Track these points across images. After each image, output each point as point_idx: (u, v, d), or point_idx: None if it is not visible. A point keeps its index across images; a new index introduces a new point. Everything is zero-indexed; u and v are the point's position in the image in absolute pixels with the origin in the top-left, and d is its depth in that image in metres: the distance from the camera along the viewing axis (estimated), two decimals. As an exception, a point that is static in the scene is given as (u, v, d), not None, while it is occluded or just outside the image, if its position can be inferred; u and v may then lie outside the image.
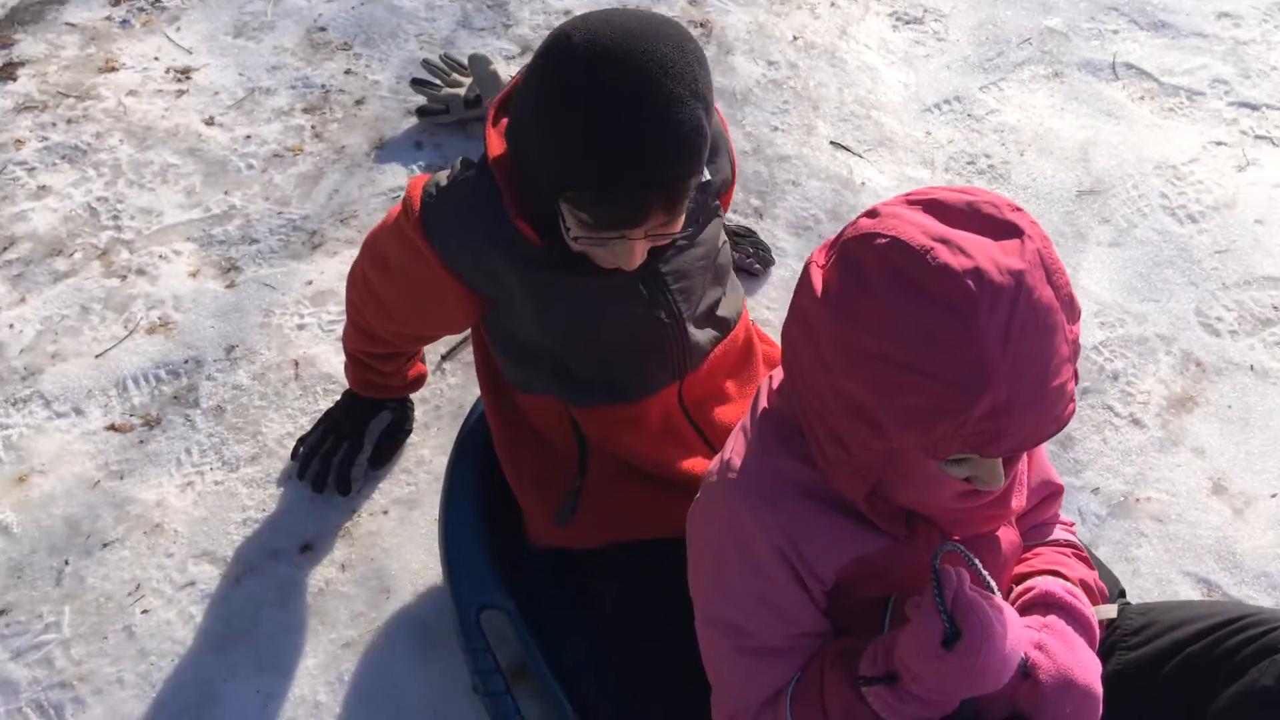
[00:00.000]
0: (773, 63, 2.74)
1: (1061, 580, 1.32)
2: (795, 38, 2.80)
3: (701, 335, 1.55)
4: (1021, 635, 1.17)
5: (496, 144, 1.39)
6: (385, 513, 1.90)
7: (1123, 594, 1.53)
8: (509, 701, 1.53)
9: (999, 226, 1.05)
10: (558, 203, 1.30)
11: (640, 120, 1.20)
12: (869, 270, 1.06)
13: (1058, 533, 1.43)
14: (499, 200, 1.38)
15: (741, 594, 1.23)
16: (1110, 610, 1.38)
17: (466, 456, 1.71)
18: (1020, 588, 1.32)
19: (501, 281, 1.45)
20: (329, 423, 1.91)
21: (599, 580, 1.55)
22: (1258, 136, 2.61)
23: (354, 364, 1.80)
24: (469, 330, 1.67)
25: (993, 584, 1.18)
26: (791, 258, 2.32)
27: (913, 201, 1.10)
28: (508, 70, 2.47)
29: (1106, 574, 1.53)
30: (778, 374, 1.32)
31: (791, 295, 1.16)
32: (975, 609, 1.11)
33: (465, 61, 2.54)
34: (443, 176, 1.46)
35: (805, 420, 1.17)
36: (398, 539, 1.86)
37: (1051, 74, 2.74)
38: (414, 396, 2.00)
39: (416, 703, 1.68)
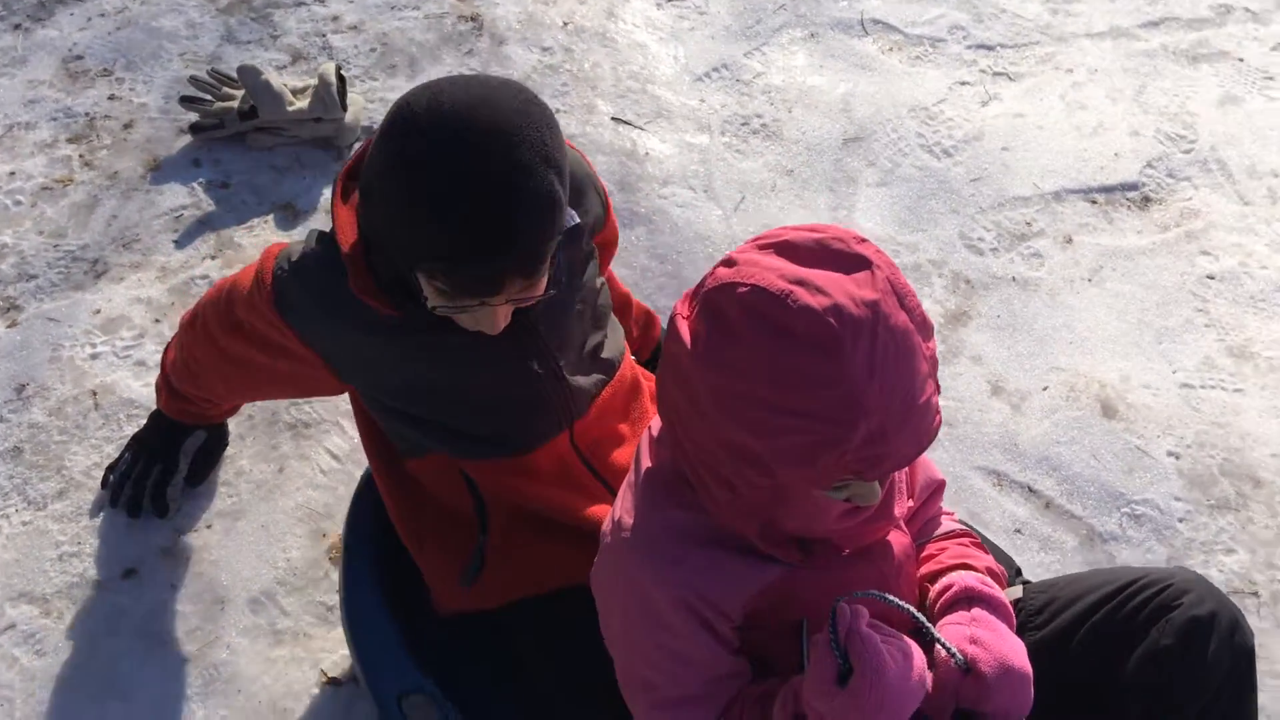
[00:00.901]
0: (546, 49, 2.81)
1: (973, 573, 1.38)
2: (565, 23, 2.88)
3: (585, 381, 1.53)
4: (921, 666, 1.20)
5: (342, 218, 1.35)
6: (209, 527, 1.86)
7: (1019, 572, 1.59)
8: None
9: (848, 260, 1.11)
10: (413, 273, 1.27)
11: (489, 192, 1.18)
12: (733, 319, 1.10)
13: (946, 524, 1.49)
14: (342, 286, 1.33)
15: (649, 650, 1.25)
16: (1016, 591, 1.45)
17: (359, 532, 1.64)
18: (938, 587, 1.37)
19: (364, 354, 1.41)
20: (138, 446, 1.85)
21: (516, 639, 1.50)
22: (995, 74, 2.84)
23: (172, 395, 1.73)
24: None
25: (918, 616, 1.22)
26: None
27: (764, 246, 1.15)
28: (279, 80, 2.46)
29: (1000, 554, 1.58)
30: (655, 425, 1.34)
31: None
32: (867, 644, 1.14)
33: (235, 75, 2.50)
34: (295, 249, 1.43)
35: (691, 468, 1.20)
36: (226, 550, 1.83)
37: (808, 35, 2.91)
38: None
39: (265, 702, 1.67)
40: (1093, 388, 2.22)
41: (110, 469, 1.86)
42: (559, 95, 2.69)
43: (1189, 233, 2.50)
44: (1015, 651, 1.27)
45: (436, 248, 1.20)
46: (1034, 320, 2.33)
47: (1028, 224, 2.51)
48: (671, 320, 1.18)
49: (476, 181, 1.17)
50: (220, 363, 1.55)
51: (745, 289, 1.10)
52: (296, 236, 2.32)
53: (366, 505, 1.64)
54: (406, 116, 1.20)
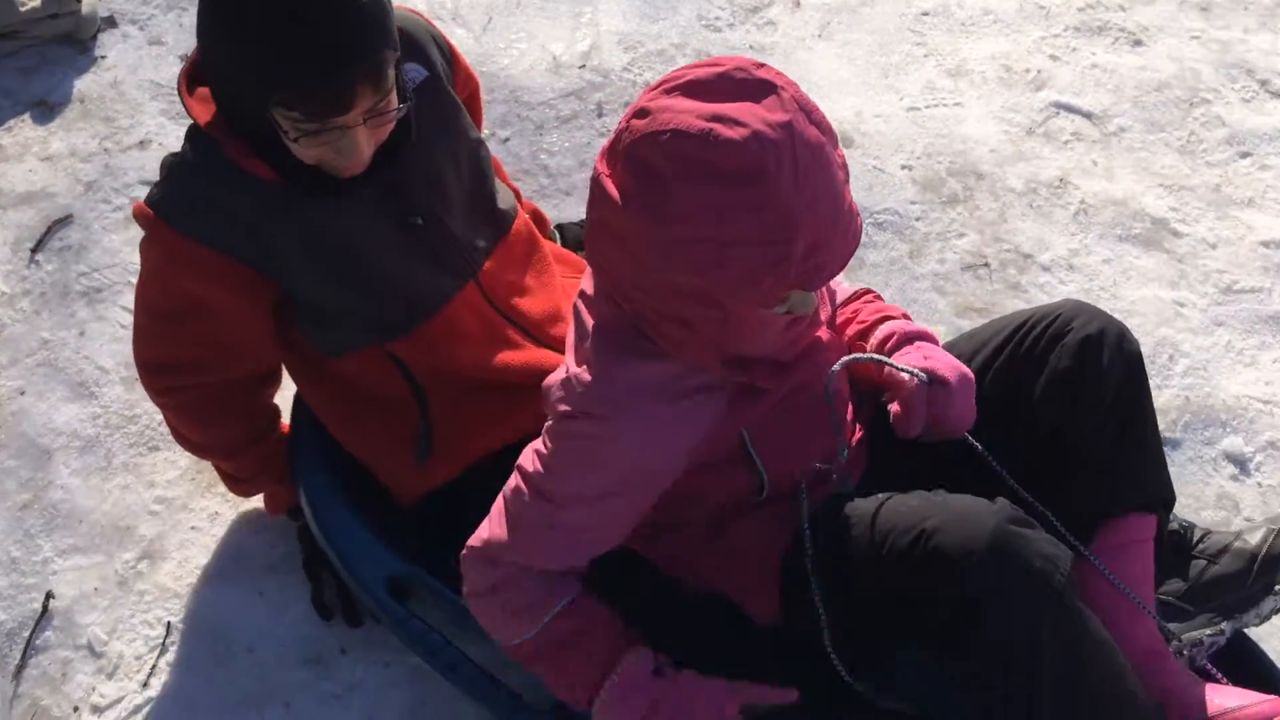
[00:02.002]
0: None
1: (899, 320, 1.52)
2: None
3: (477, 234, 1.57)
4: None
5: (199, 108, 1.39)
6: (22, 394, 1.94)
7: None
8: (466, 662, 1.53)
9: (754, 87, 1.14)
10: (271, 115, 1.30)
11: (323, 5, 1.24)
12: (660, 168, 1.13)
13: (842, 287, 1.61)
14: (221, 157, 1.37)
15: (594, 494, 1.32)
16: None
17: (307, 450, 1.65)
18: (877, 338, 1.50)
19: (266, 238, 1.42)
20: (314, 566, 1.71)
21: (480, 504, 1.47)
22: None
23: (256, 477, 1.67)
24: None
25: (880, 357, 1.41)
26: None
27: (670, 89, 1.16)
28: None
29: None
30: (586, 283, 1.36)
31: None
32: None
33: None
34: (157, 181, 1.45)
35: (643, 319, 1.25)
36: (45, 406, 1.91)
37: None
38: None
39: (107, 525, 1.78)
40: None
41: (317, 602, 1.71)
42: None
43: (902, -21, 2.73)
44: (962, 365, 1.42)
45: (281, 72, 1.26)
46: (773, 79, 2.53)
47: (758, -4, 2.70)
48: (595, 181, 1.21)
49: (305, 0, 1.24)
50: (178, 384, 1.54)
51: (665, 135, 1.12)
52: (55, 130, 2.35)
53: (305, 427, 1.66)
54: None
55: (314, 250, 1.45)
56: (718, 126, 1.10)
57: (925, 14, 2.66)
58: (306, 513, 1.61)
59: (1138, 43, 2.60)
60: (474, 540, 1.39)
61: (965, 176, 2.36)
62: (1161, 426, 2.00)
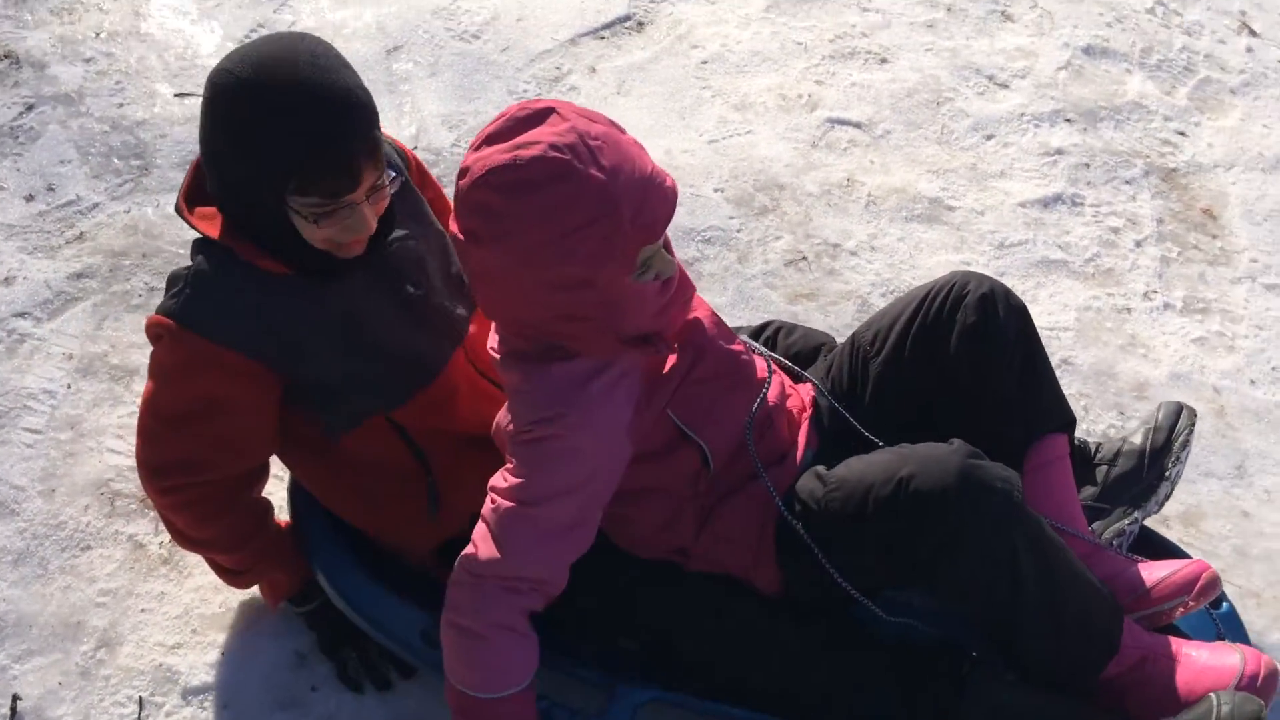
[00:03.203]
0: (89, 60, 2.96)
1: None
2: (98, 33, 3.04)
3: (455, 306, 1.72)
4: None
5: (207, 225, 1.53)
6: (-61, 526, 1.96)
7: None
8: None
9: (535, 117, 1.38)
10: (286, 207, 1.45)
11: (318, 91, 1.39)
12: (490, 201, 1.36)
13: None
14: (237, 262, 1.51)
15: (566, 488, 1.49)
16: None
17: (316, 537, 1.74)
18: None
19: (278, 327, 1.54)
20: (332, 650, 1.79)
21: None
22: (491, -33, 3.31)
23: (254, 570, 1.73)
24: None
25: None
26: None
27: (477, 146, 1.41)
28: None
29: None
30: (493, 342, 1.59)
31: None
32: None
33: None
34: (172, 294, 1.55)
35: (543, 331, 1.47)
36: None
37: (324, -19, 3.24)
38: None
39: (52, 623, 1.83)
40: (647, 166, 2.75)
41: (344, 679, 1.78)
42: (117, 93, 2.86)
43: (679, 37, 3.09)
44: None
45: (291, 153, 1.40)
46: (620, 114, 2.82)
47: (558, 68, 3.00)
48: (454, 241, 1.44)
49: (307, 90, 1.39)
50: (188, 485, 1.61)
51: (482, 176, 1.36)
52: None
53: (308, 510, 1.76)
54: (226, 80, 1.42)
55: (325, 330, 1.58)
56: (519, 152, 1.36)
57: (704, 62, 3.03)
58: (330, 592, 1.71)
59: (884, 60, 3.05)
60: (463, 566, 1.51)
61: (770, 189, 2.70)
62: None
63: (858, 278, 2.53)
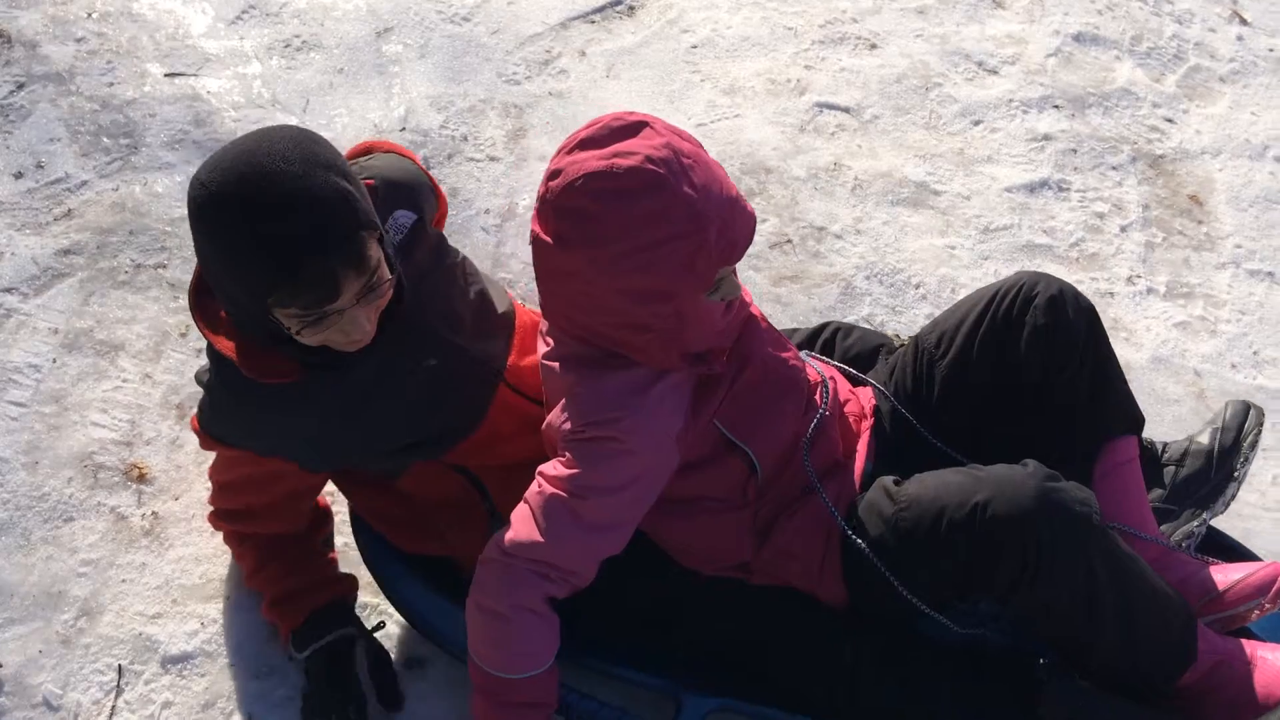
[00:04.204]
0: (80, 39, 2.97)
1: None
2: (90, 13, 3.05)
3: (491, 339, 1.70)
4: None
5: (221, 342, 1.52)
6: None
7: (897, 335, 1.96)
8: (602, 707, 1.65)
9: (630, 128, 1.41)
10: (272, 316, 1.40)
11: (278, 209, 1.32)
12: (584, 204, 1.37)
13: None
14: (245, 382, 1.50)
15: (614, 486, 1.50)
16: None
17: (380, 560, 1.77)
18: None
19: (305, 433, 1.57)
20: (313, 702, 1.72)
21: None
22: (484, -49, 3.31)
23: (287, 599, 1.74)
24: None
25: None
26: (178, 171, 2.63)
27: (569, 150, 1.42)
28: None
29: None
30: (542, 349, 1.59)
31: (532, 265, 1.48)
32: None
33: None
34: (201, 400, 1.63)
35: (610, 339, 1.48)
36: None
37: (316, -36, 3.25)
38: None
39: (34, 593, 1.85)
40: (635, 149, 2.76)
41: None
42: (107, 73, 2.87)
43: (669, 21, 3.10)
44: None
45: (266, 278, 1.35)
46: (576, 117, 2.83)
47: (548, 51, 3.01)
48: (535, 240, 1.45)
49: (266, 208, 1.33)
50: (245, 514, 1.74)
51: (579, 180, 1.38)
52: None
53: (371, 545, 1.79)
54: (196, 194, 1.38)
55: (351, 420, 1.58)
56: (616, 160, 1.38)
57: (694, 47, 3.04)
58: (411, 619, 1.75)
59: (874, 46, 3.05)
60: (497, 545, 1.52)
61: (757, 173, 2.71)
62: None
63: (842, 261, 2.53)
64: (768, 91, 2.92)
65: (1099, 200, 2.69)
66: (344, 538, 1.88)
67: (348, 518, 1.84)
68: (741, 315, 1.59)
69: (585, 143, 1.42)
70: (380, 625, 1.80)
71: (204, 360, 2.02)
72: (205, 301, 1.54)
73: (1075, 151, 2.79)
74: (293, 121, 2.76)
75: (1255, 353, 2.41)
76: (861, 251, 2.56)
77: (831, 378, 1.73)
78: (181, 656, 1.80)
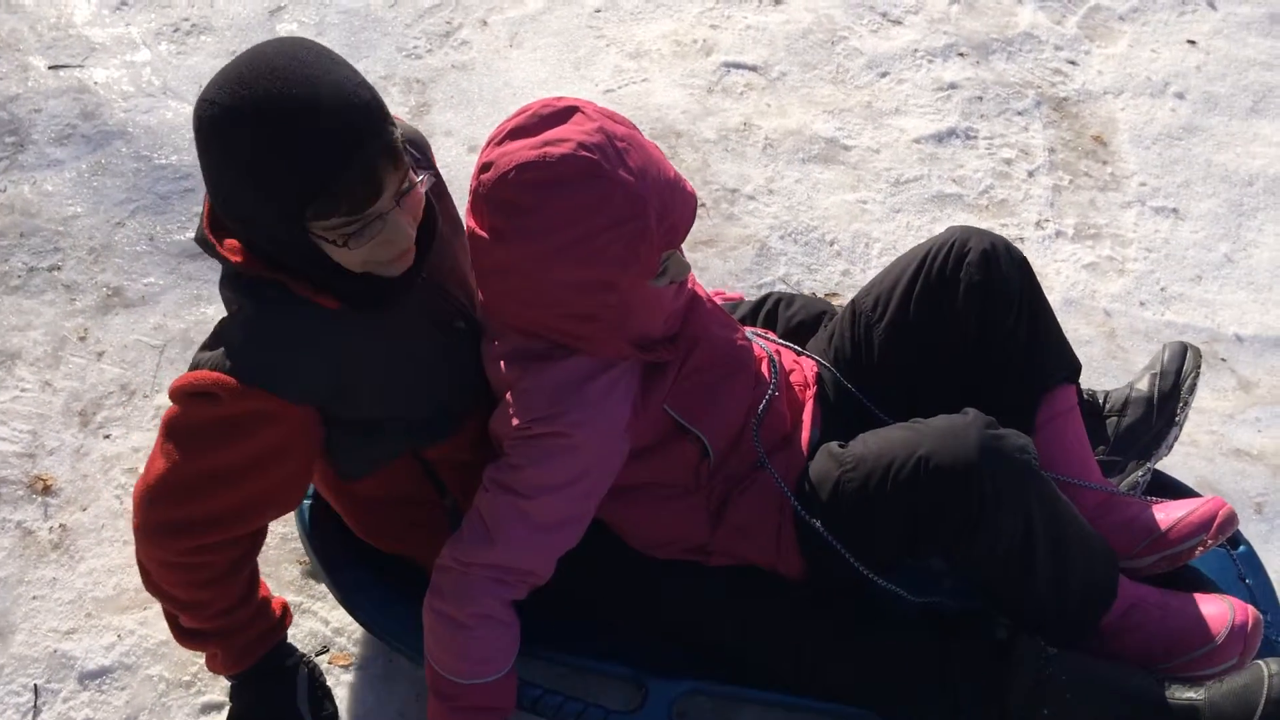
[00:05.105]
0: (-44, 34, 2.85)
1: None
2: (-36, 6, 2.92)
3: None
4: None
5: (237, 254, 1.36)
6: None
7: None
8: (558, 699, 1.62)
9: (561, 114, 1.36)
10: (310, 236, 1.29)
11: (307, 110, 1.22)
12: (519, 198, 1.32)
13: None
14: (294, 299, 1.35)
15: (560, 483, 1.46)
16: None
17: (329, 553, 1.71)
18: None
19: (339, 370, 1.41)
20: None
21: None
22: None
23: (223, 639, 1.52)
24: None
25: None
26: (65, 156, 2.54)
27: (499, 141, 1.36)
28: None
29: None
30: (485, 346, 1.53)
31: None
32: None
33: None
34: (220, 343, 1.38)
35: (555, 332, 1.43)
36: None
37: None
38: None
39: None
40: (542, 119, 2.72)
41: None
42: (-11, 69, 2.76)
43: (571, -14, 3.05)
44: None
45: (305, 183, 1.24)
46: (481, 89, 2.78)
47: (448, 22, 2.94)
48: (471, 235, 1.40)
49: (298, 109, 1.22)
50: (204, 537, 1.43)
51: (511, 172, 1.32)
52: None
53: (326, 534, 1.72)
54: (206, 113, 1.26)
55: (379, 371, 1.46)
56: (548, 149, 1.33)
57: (598, 11, 2.99)
58: (373, 627, 1.67)
59: (778, 2, 3.03)
60: (450, 553, 1.48)
61: (668, 137, 2.68)
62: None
63: (756, 221, 2.52)
64: (674, 54, 2.89)
65: (1006, 146, 2.71)
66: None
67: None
68: (686, 297, 1.57)
69: (515, 132, 1.37)
70: (324, 649, 1.77)
71: (107, 367, 1.95)
72: (222, 237, 1.40)
73: (981, 99, 2.81)
74: (185, 109, 2.67)
75: (1162, 289, 2.45)
76: (775, 211, 2.55)
77: (776, 351, 1.72)
78: (100, 671, 1.75)
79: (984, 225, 2.53)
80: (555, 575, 1.53)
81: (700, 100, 2.77)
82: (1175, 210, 2.61)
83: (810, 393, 1.74)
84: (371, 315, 1.41)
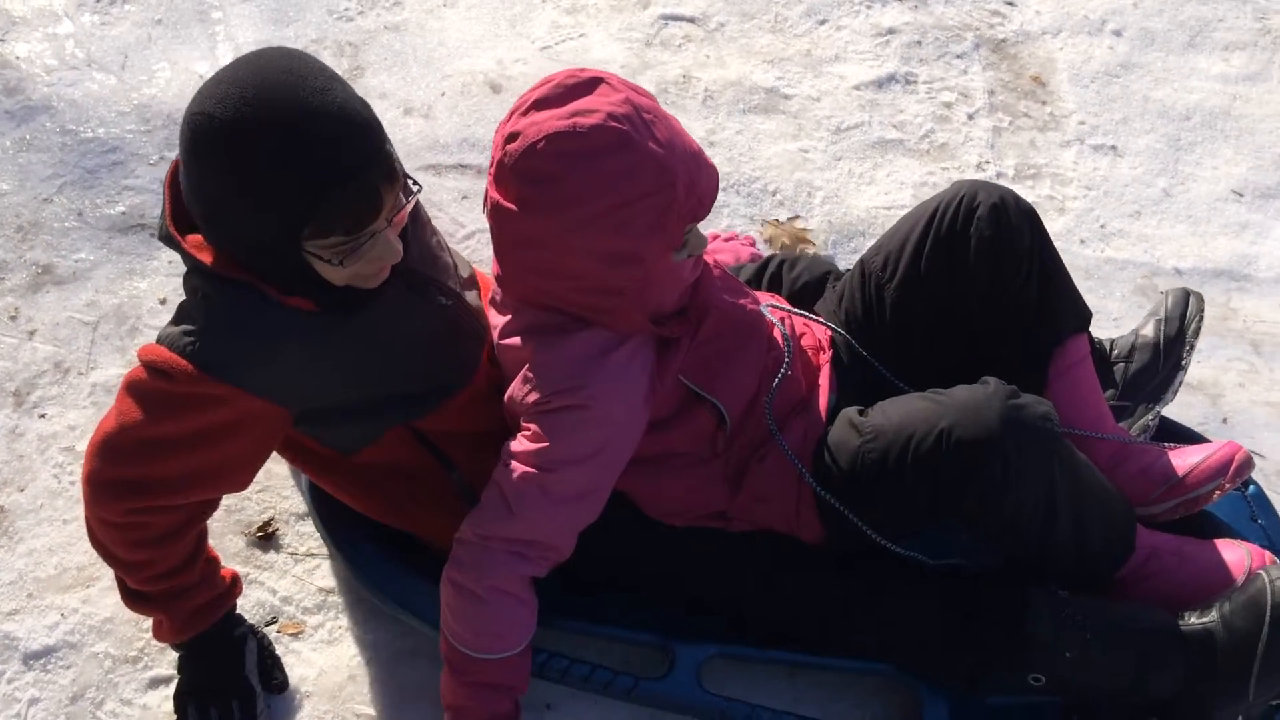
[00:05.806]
0: None
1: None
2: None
3: (471, 297, 1.62)
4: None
5: (206, 252, 1.34)
6: None
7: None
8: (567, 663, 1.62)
9: (586, 85, 1.35)
10: (301, 252, 1.29)
11: (310, 129, 1.22)
12: (548, 168, 1.31)
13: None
14: (264, 300, 1.34)
15: (581, 456, 1.45)
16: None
17: (338, 530, 1.69)
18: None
19: (304, 367, 1.40)
20: (196, 699, 1.58)
21: None
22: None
23: (170, 602, 1.50)
24: None
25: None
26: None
27: (524, 111, 1.35)
28: None
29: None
30: (495, 320, 1.53)
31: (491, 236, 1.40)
32: None
33: None
34: (184, 325, 1.37)
35: (570, 303, 1.43)
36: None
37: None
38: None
39: None
40: (478, 79, 2.68)
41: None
42: (-95, 45, 2.68)
43: (504, -58, 2.99)
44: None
45: (305, 203, 1.24)
46: (415, 50, 2.73)
47: (382, -13, 2.89)
48: (495, 206, 1.38)
49: (301, 127, 1.22)
50: (146, 499, 1.42)
51: (540, 142, 1.32)
52: None
53: (328, 511, 1.70)
54: (203, 126, 1.24)
55: (358, 364, 1.46)
56: (578, 119, 1.32)
57: (532, -34, 2.95)
58: (376, 595, 1.67)
59: (714, -49, 3.00)
60: (470, 527, 1.48)
61: (604, 92, 2.65)
62: (817, 246, 2.37)
63: (698, 174, 2.51)
64: (611, 7, 2.85)
65: (945, 90, 2.70)
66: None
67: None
68: (699, 271, 1.57)
69: (540, 103, 1.36)
70: (273, 620, 1.76)
71: (40, 345, 1.92)
72: (184, 232, 1.38)
73: (920, 43, 2.80)
74: (110, 81, 2.61)
75: (1102, 226, 2.47)
76: (717, 164, 2.49)
77: (786, 319, 1.72)
78: (44, 651, 1.73)
79: (926, 169, 2.54)
80: (580, 544, 1.52)
81: (639, 54, 2.74)
82: (1114, 147, 2.62)
83: (825, 356, 1.74)
84: (349, 315, 1.42)
